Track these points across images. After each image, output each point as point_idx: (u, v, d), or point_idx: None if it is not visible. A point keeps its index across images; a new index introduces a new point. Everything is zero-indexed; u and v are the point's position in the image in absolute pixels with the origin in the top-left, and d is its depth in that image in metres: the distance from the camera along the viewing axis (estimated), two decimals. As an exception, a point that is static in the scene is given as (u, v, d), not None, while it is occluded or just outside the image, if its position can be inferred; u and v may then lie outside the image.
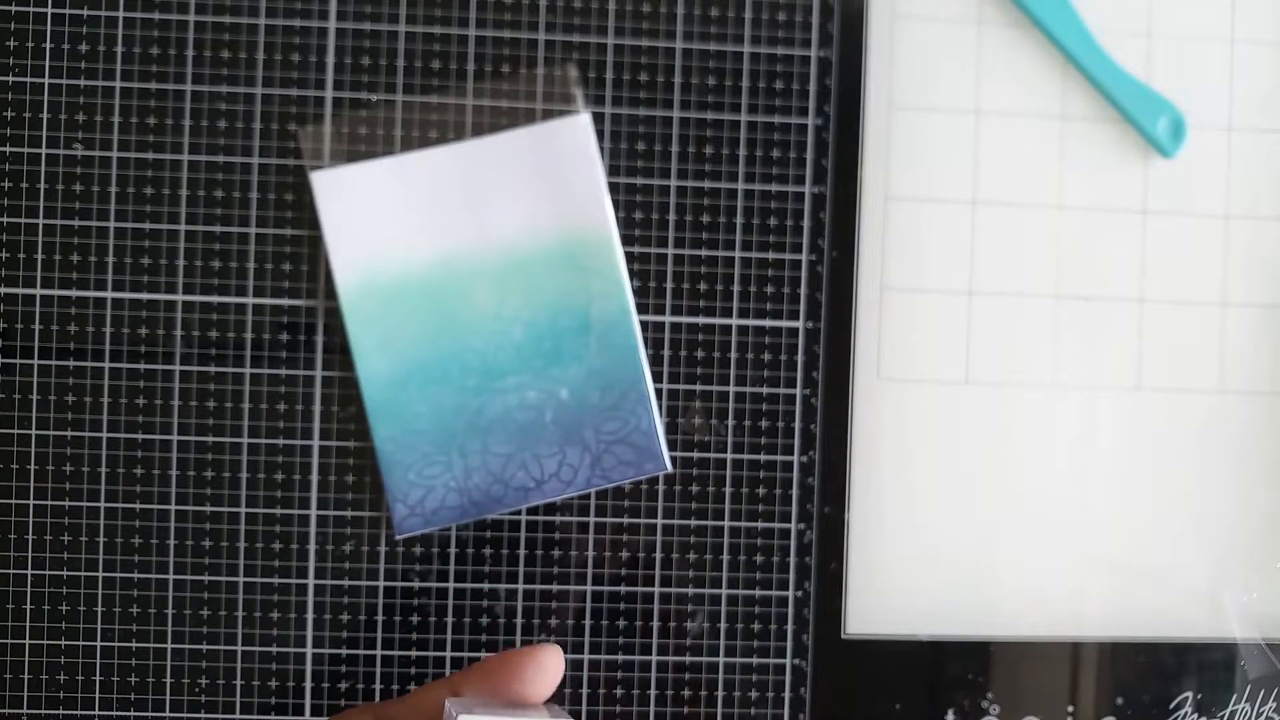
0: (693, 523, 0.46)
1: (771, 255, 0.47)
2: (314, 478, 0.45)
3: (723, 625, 0.46)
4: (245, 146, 0.45)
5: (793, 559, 0.47)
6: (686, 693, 0.46)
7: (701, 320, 0.46)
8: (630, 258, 0.46)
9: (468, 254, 0.44)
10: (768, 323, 0.47)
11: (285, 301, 0.45)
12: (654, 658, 0.46)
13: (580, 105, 0.45)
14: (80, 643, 0.44)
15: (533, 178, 0.44)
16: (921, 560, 0.48)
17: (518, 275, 0.44)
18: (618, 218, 0.46)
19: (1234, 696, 0.49)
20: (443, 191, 0.44)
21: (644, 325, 0.46)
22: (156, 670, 0.44)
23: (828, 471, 0.47)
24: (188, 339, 0.45)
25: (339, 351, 0.45)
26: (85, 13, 0.44)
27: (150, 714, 0.44)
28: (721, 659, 0.46)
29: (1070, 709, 0.48)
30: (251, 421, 0.45)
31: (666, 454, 0.45)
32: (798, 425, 0.47)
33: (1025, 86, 0.48)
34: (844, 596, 0.47)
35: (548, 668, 0.29)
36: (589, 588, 0.46)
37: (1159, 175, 0.49)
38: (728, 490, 0.46)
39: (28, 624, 0.44)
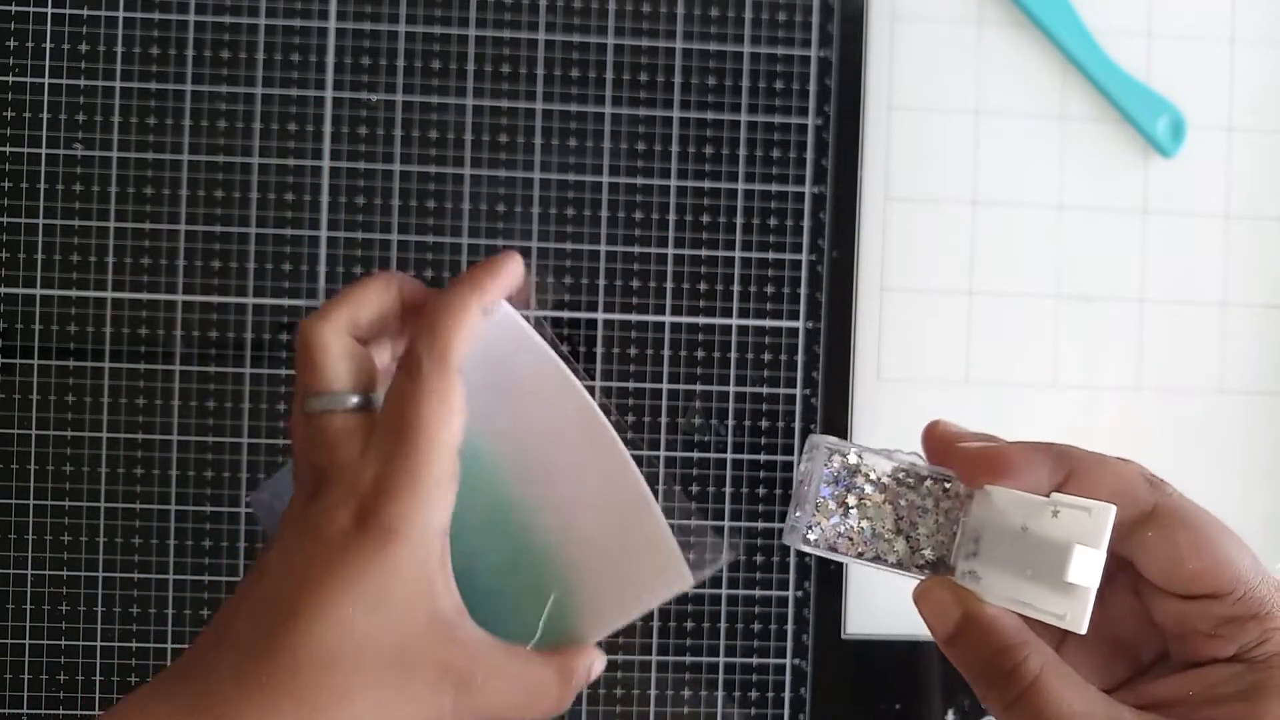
0: (693, 523, 0.46)
1: (771, 255, 0.47)
2: (314, 478, 0.45)
3: (723, 626, 0.46)
4: (245, 146, 0.45)
5: (793, 559, 0.47)
6: (686, 693, 0.46)
7: (701, 320, 0.46)
8: (630, 258, 0.46)
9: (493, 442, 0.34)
10: (768, 323, 0.47)
11: (285, 301, 0.45)
12: (654, 658, 0.46)
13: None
14: (80, 643, 0.44)
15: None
16: (921, 560, 0.48)
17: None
18: (618, 218, 0.46)
19: (1234, 696, 0.49)
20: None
21: (644, 325, 0.46)
22: (156, 670, 0.44)
23: (828, 471, 0.47)
24: (188, 339, 0.45)
25: (339, 351, 0.45)
26: (85, 13, 0.44)
27: (150, 714, 0.44)
28: (721, 659, 0.46)
29: (1070, 709, 0.48)
30: (251, 421, 0.45)
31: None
32: (798, 425, 0.47)
33: (1025, 87, 0.48)
34: (844, 596, 0.47)
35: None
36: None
37: (1159, 175, 0.49)
38: (728, 490, 0.46)
39: (27, 624, 0.44)
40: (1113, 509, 0.26)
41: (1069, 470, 0.28)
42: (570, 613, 0.32)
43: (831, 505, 0.30)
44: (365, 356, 0.31)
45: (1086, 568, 0.26)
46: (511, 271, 0.31)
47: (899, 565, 0.30)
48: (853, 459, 0.30)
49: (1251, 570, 0.26)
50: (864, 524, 0.30)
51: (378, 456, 0.28)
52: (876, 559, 0.30)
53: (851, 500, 0.30)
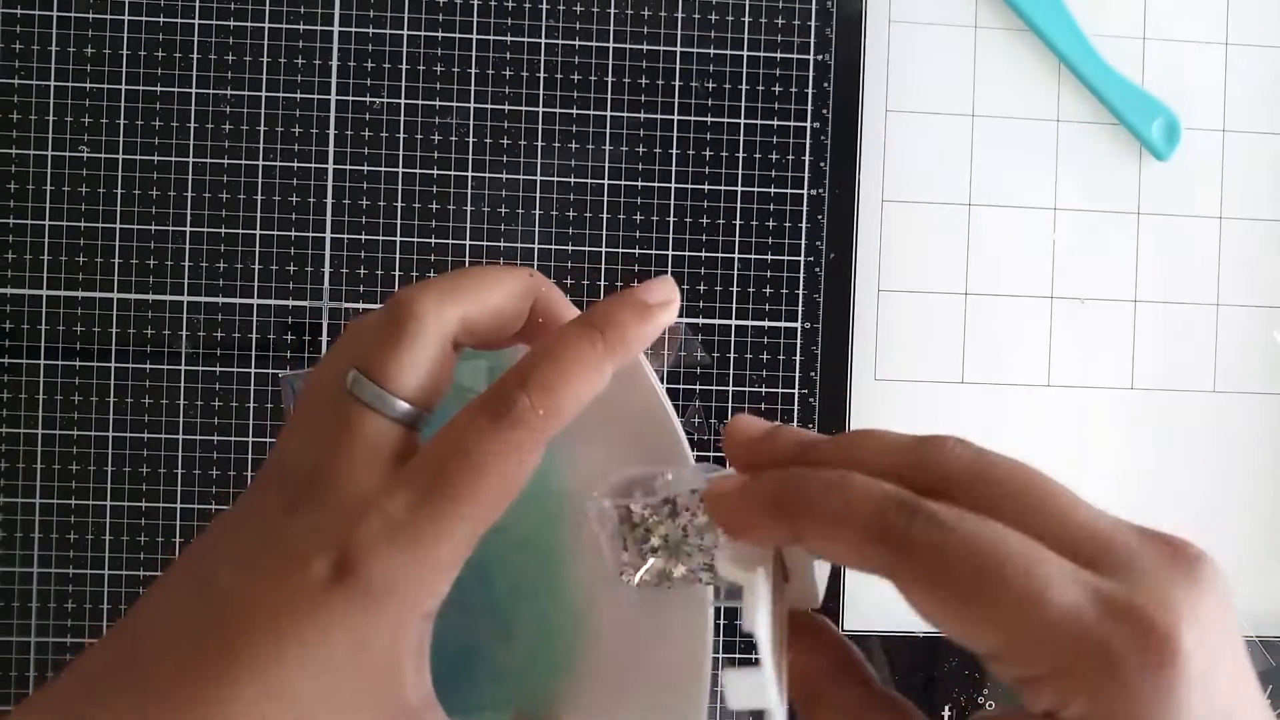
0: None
1: (770, 257, 0.47)
2: (318, 477, 0.45)
3: (723, 623, 0.47)
4: (250, 149, 0.45)
5: (791, 557, 0.47)
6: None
7: (702, 321, 0.47)
8: (631, 259, 0.46)
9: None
10: (766, 323, 0.47)
11: (290, 302, 0.45)
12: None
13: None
14: (86, 641, 0.44)
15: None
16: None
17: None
18: (618, 220, 0.46)
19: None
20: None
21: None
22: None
23: (826, 470, 0.47)
24: (193, 340, 0.45)
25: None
26: (91, 16, 0.45)
27: (155, 711, 0.45)
28: (722, 655, 0.47)
29: (1065, 705, 0.48)
30: (256, 421, 0.45)
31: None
32: (796, 425, 0.47)
33: (1020, 90, 0.49)
34: (842, 593, 0.48)
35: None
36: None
37: (1153, 177, 0.49)
38: (727, 489, 0.47)
39: (33, 622, 0.44)
40: (760, 589, 0.21)
41: (796, 529, 0.23)
42: (558, 692, 0.29)
43: (636, 554, 0.27)
44: (446, 372, 0.25)
45: (747, 682, 0.21)
46: (663, 322, 0.26)
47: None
48: (636, 506, 0.26)
49: (1034, 622, 0.20)
50: (679, 564, 0.27)
51: (402, 497, 0.23)
52: (730, 593, 0.27)
53: (656, 541, 0.27)
